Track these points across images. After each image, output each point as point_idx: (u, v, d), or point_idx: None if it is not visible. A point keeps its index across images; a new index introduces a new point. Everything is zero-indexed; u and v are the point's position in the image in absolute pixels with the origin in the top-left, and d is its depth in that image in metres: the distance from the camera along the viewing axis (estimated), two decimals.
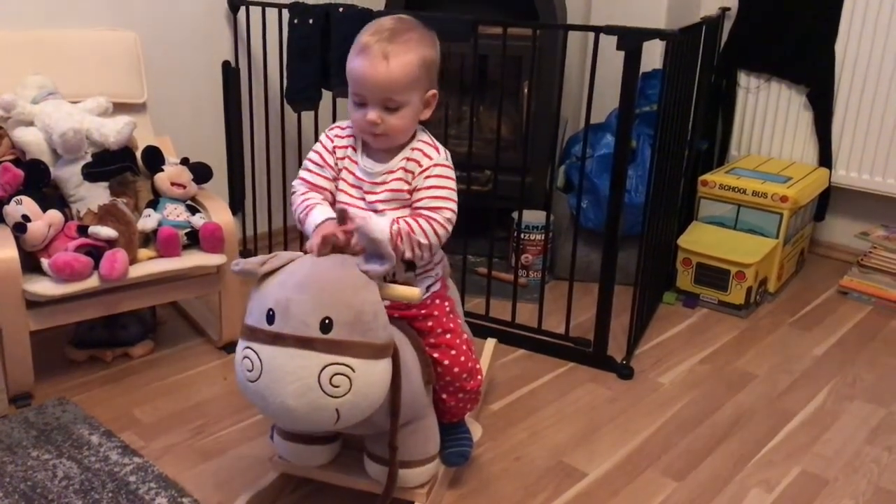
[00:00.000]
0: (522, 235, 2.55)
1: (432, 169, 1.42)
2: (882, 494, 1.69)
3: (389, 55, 1.35)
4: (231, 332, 2.14)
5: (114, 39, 2.26)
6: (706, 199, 2.67)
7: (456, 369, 1.49)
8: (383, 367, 1.28)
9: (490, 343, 2.03)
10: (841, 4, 2.69)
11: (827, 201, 2.89)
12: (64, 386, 1.97)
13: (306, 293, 1.24)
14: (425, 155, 1.43)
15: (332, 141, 1.48)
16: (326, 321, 1.22)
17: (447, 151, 1.47)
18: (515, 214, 2.54)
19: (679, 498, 1.65)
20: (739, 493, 1.68)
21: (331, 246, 1.33)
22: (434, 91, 1.44)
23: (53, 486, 1.59)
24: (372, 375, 1.26)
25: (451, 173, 1.44)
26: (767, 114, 2.93)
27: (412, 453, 1.47)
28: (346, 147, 1.47)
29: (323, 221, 1.39)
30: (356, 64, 1.37)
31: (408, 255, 1.39)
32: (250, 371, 1.24)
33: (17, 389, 1.85)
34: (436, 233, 1.40)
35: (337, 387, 1.22)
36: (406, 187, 1.43)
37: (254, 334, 1.25)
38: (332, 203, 1.46)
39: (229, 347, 2.16)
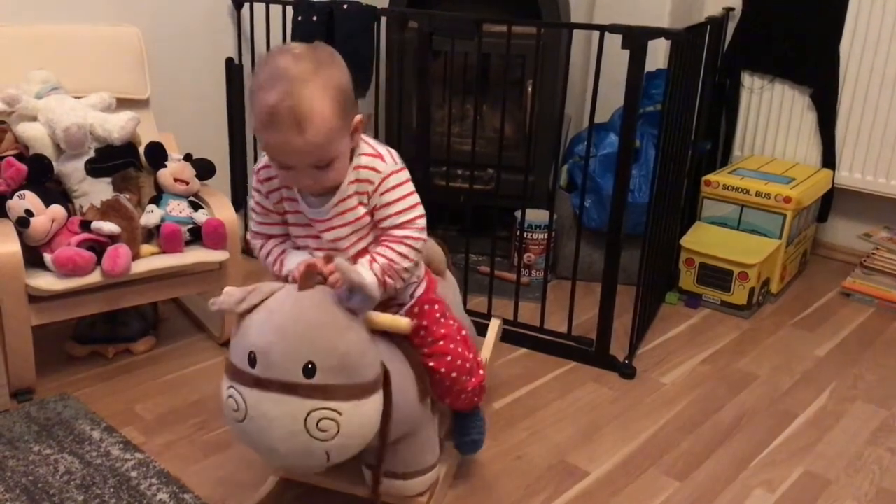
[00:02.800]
0: (525, 234, 2.55)
1: (385, 182, 1.31)
2: (884, 495, 1.68)
3: (302, 122, 1.18)
4: (232, 328, 2.13)
5: (118, 35, 2.25)
6: (709, 199, 2.67)
7: (454, 374, 1.46)
8: (372, 404, 1.24)
9: (494, 324, 1.96)
10: (846, 5, 2.69)
11: (830, 202, 2.89)
12: (65, 381, 1.97)
13: (288, 338, 1.19)
14: (372, 169, 1.31)
15: (263, 185, 1.36)
16: (309, 366, 1.18)
17: (392, 153, 1.35)
18: (518, 213, 2.54)
19: (681, 498, 1.65)
20: (741, 493, 1.67)
21: (315, 278, 1.26)
22: (359, 116, 1.29)
23: (55, 481, 1.59)
24: (360, 416, 1.22)
25: (406, 175, 1.33)
26: (771, 114, 2.92)
27: (409, 465, 1.47)
28: (279, 189, 1.35)
29: (298, 263, 1.31)
30: (269, 138, 1.22)
31: (399, 286, 1.34)
32: (236, 411, 1.21)
33: (18, 384, 1.85)
34: (414, 249, 1.33)
35: (324, 431, 1.18)
36: (364, 210, 1.33)
37: (237, 375, 1.22)
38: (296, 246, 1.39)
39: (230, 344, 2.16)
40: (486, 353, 1.86)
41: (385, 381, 1.28)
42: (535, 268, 2.62)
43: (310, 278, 1.25)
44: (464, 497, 1.63)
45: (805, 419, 1.95)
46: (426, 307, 1.45)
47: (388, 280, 1.31)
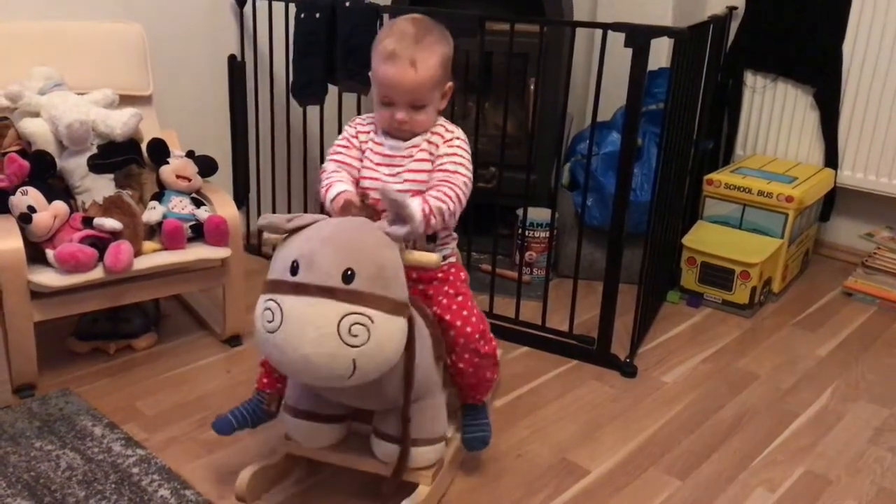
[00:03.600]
0: (527, 233, 2.55)
1: (454, 140, 1.55)
2: (885, 495, 1.68)
3: (417, 62, 1.46)
4: (234, 325, 2.14)
5: (120, 32, 2.26)
6: (711, 198, 2.67)
7: (469, 329, 1.53)
8: (400, 325, 1.30)
9: None
10: (849, 5, 2.68)
11: (832, 202, 2.89)
12: (67, 377, 1.97)
13: (331, 246, 1.27)
14: (447, 130, 1.56)
15: (355, 128, 1.60)
16: (349, 272, 1.24)
17: (465, 136, 1.58)
18: (520, 211, 2.54)
19: (681, 497, 1.65)
20: (742, 492, 1.67)
21: (352, 211, 1.39)
22: (450, 83, 1.57)
23: (56, 477, 1.60)
24: (390, 330, 1.27)
25: (468, 148, 1.56)
26: (773, 113, 2.92)
27: (419, 431, 1.48)
28: (368, 132, 1.59)
29: (342, 191, 1.47)
30: (385, 70, 1.47)
31: (440, 225, 1.47)
32: (270, 322, 1.25)
33: (20, 380, 1.85)
34: (458, 196, 1.49)
35: (355, 336, 1.23)
36: (430, 159, 1.53)
37: (276, 286, 1.27)
38: (356, 182, 1.55)
39: (232, 341, 2.16)
40: None
41: (409, 323, 1.33)
42: (536, 266, 2.62)
43: (346, 210, 1.40)
44: (465, 494, 1.63)
45: (806, 419, 1.95)
46: (453, 270, 1.60)
47: (433, 221, 1.44)
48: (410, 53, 1.46)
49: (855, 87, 2.73)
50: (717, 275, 2.50)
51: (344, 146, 1.58)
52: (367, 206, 1.43)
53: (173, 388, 1.96)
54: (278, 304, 1.24)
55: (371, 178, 1.55)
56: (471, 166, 1.55)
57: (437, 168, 1.52)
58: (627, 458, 1.77)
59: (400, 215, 1.32)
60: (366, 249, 1.29)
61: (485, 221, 2.37)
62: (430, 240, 1.55)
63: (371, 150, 1.57)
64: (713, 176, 2.67)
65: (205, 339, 2.20)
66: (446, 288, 1.56)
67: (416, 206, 1.38)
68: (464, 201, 1.51)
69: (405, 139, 1.55)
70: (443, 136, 1.55)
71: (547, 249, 2.42)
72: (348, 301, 1.23)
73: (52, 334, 2.07)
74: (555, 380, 2.08)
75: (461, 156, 1.53)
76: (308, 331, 1.22)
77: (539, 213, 2.58)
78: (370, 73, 1.53)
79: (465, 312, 1.54)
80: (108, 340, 2.09)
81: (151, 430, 1.78)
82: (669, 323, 2.42)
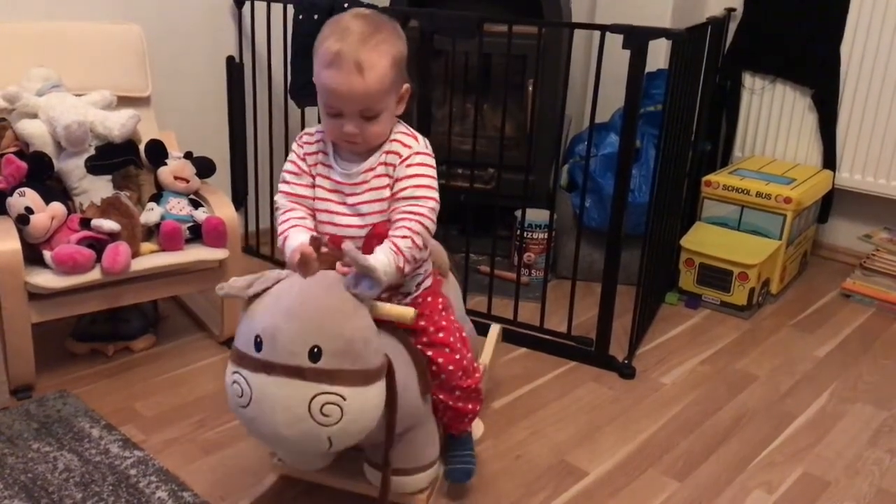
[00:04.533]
0: (525, 234, 2.55)
1: (413, 157, 1.37)
2: (884, 497, 1.68)
3: (363, 66, 1.27)
4: (233, 326, 2.11)
5: (119, 33, 2.25)
6: (709, 199, 2.67)
7: (451, 367, 1.45)
8: (376, 392, 1.25)
9: (494, 329, 1.98)
10: (847, 6, 2.69)
11: (830, 203, 2.89)
12: (65, 379, 1.97)
13: (294, 321, 1.20)
14: (404, 145, 1.38)
15: (302, 148, 1.43)
16: (315, 350, 1.19)
17: (426, 140, 1.42)
18: (518, 213, 2.54)
19: (680, 498, 1.65)
20: (741, 494, 1.67)
21: (313, 264, 1.28)
22: (407, 85, 1.39)
23: (54, 479, 1.59)
24: (364, 402, 1.23)
25: (432, 161, 1.40)
26: (772, 115, 2.92)
27: (410, 461, 1.46)
28: (317, 153, 1.42)
29: (298, 245, 1.32)
30: (328, 77, 1.29)
31: (408, 269, 1.34)
32: (240, 397, 1.22)
33: (18, 381, 1.85)
34: (426, 228, 1.35)
35: (328, 416, 1.19)
36: (386, 183, 1.38)
37: (242, 360, 1.23)
38: (313, 215, 1.43)
39: (231, 342, 2.14)
40: (485, 356, 1.86)
41: (389, 373, 1.28)
42: (535, 267, 2.62)
43: (306, 265, 1.27)
44: (463, 496, 1.63)
45: (805, 420, 1.95)
46: (429, 299, 1.48)
47: (406, 267, 1.33)
48: (356, 56, 1.27)
49: (853, 88, 2.74)
50: (716, 276, 2.50)
51: (293, 173, 1.42)
52: (326, 256, 1.31)
53: (171, 389, 1.96)
54: (246, 381, 1.21)
55: (325, 211, 1.40)
56: (436, 182, 1.38)
57: (398, 195, 1.36)
58: (626, 460, 1.77)
59: (367, 276, 1.25)
60: (331, 322, 1.21)
61: (483, 223, 2.37)
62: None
63: (321, 174, 1.41)
64: (711, 177, 2.67)
65: (203, 341, 2.19)
66: (422, 323, 1.43)
67: (385, 263, 1.28)
68: (433, 226, 1.37)
69: (358, 159, 1.38)
70: (399, 154, 1.37)
71: (545, 251, 2.41)
72: (317, 381, 1.18)
73: (50, 336, 2.06)
74: (553, 381, 2.08)
75: (423, 175, 1.37)
76: (278, 411, 1.19)
77: (537, 215, 2.58)
78: (313, 79, 1.34)
79: (446, 350, 1.45)
80: (107, 342, 2.08)
81: (149, 432, 1.78)
82: (668, 324, 2.42)
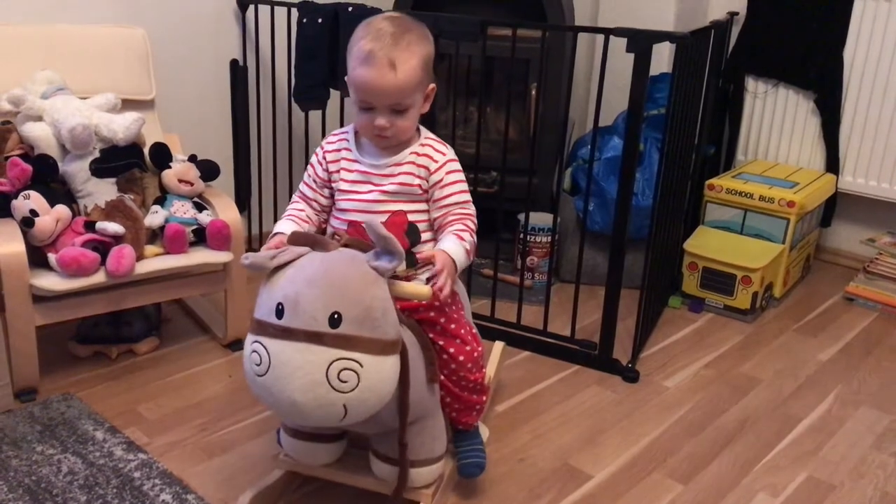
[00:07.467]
0: (528, 237, 2.55)
1: (449, 164, 1.49)
2: (888, 500, 1.68)
3: (396, 63, 1.37)
4: (236, 329, 2.14)
5: (123, 36, 2.26)
6: (713, 203, 2.67)
7: (461, 358, 1.49)
8: (392, 363, 1.28)
9: (498, 346, 2.03)
10: (850, 11, 2.69)
11: (833, 207, 2.89)
12: (69, 381, 1.97)
13: (316, 288, 1.24)
14: (437, 151, 1.49)
15: (323, 149, 1.54)
16: (335, 316, 1.22)
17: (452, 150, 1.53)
18: (522, 216, 2.54)
19: (684, 502, 1.65)
20: (745, 497, 1.67)
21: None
22: (433, 85, 1.49)
23: (58, 481, 1.59)
24: (380, 372, 1.25)
25: (461, 169, 1.52)
26: (775, 119, 2.92)
27: (418, 453, 1.47)
28: (339, 150, 1.52)
29: (276, 233, 1.46)
30: (362, 73, 1.39)
31: (470, 260, 1.47)
32: (258, 365, 1.24)
33: (22, 384, 1.85)
34: (474, 229, 1.50)
35: (345, 382, 1.21)
36: (416, 181, 1.47)
37: (262, 328, 1.25)
38: (323, 209, 1.56)
39: (234, 345, 2.16)
40: (489, 372, 1.86)
41: (403, 353, 1.31)
42: (538, 271, 2.62)
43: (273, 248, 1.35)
44: (467, 499, 1.63)
45: (809, 424, 1.95)
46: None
47: (471, 254, 1.46)
48: (389, 54, 1.37)
49: (856, 92, 2.74)
50: (719, 280, 2.50)
51: (311, 176, 1.55)
52: (352, 243, 1.37)
53: (175, 392, 1.96)
54: (265, 348, 1.23)
55: (349, 200, 1.49)
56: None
57: (445, 200, 1.48)
58: (630, 463, 1.77)
59: (387, 249, 1.27)
60: (352, 290, 1.24)
61: (486, 226, 2.36)
62: (411, 263, 1.46)
63: (345, 168, 1.50)
64: (714, 181, 2.67)
65: (206, 344, 2.19)
66: (432, 314, 1.48)
67: (454, 249, 1.41)
68: (475, 230, 1.51)
69: (387, 153, 1.48)
70: (434, 159, 1.47)
71: (549, 254, 2.42)
72: (336, 346, 1.21)
73: (54, 338, 2.07)
74: (557, 384, 2.08)
75: (461, 181, 1.50)
76: (296, 377, 1.20)
77: (541, 218, 2.58)
78: (346, 78, 1.44)
79: (457, 340, 1.49)
80: (110, 344, 2.09)
81: (153, 435, 1.78)
82: (671, 328, 2.42)
